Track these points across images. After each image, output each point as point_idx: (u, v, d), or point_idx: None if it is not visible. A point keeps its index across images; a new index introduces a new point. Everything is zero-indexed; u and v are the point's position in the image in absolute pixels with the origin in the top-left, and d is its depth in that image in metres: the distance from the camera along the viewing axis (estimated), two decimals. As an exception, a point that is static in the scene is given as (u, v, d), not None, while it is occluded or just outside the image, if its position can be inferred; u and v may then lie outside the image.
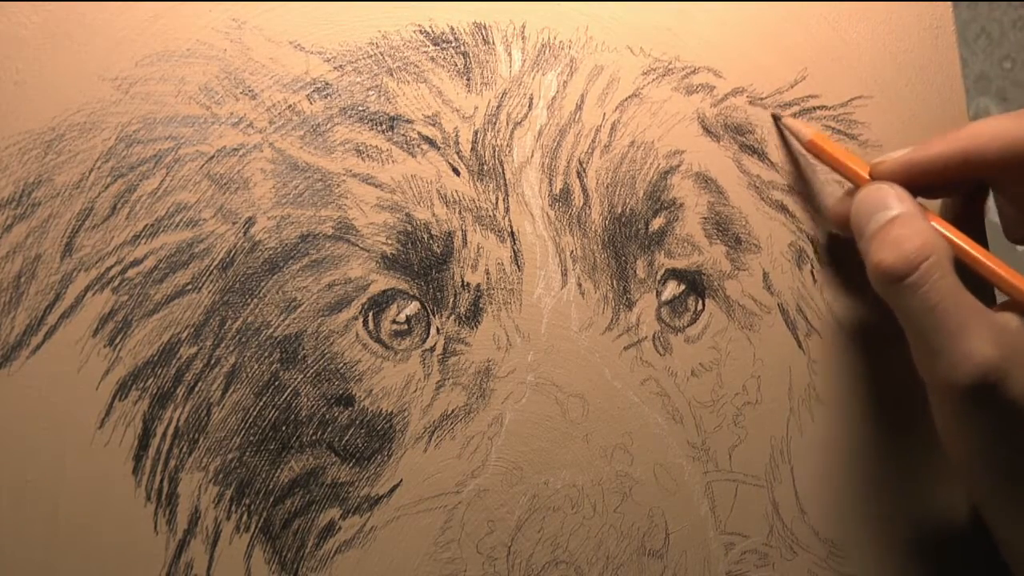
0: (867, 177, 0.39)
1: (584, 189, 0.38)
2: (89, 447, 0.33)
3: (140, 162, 0.34)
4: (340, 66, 0.36)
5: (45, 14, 0.34)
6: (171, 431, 0.33)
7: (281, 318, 0.35)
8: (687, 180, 0.40)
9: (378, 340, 0.35)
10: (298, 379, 0.35)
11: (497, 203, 0.37)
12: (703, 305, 0.40)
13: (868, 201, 0.37)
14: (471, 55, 0.38)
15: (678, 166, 0.40)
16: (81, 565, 0.32)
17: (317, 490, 0.35)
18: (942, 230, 0.37)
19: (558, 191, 0.38)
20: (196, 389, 0.34)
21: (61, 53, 0.34)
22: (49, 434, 0.32)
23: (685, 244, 0.39)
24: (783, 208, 0.42)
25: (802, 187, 0.42)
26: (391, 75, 0.37)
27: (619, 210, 0.38)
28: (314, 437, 0.35)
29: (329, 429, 0.35)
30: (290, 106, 0.35)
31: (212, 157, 0.34)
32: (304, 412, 0.35)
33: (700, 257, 0.40)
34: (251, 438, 0.34)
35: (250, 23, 0.35)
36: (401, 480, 0.35)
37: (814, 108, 0.43)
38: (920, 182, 0.38)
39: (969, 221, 0.41)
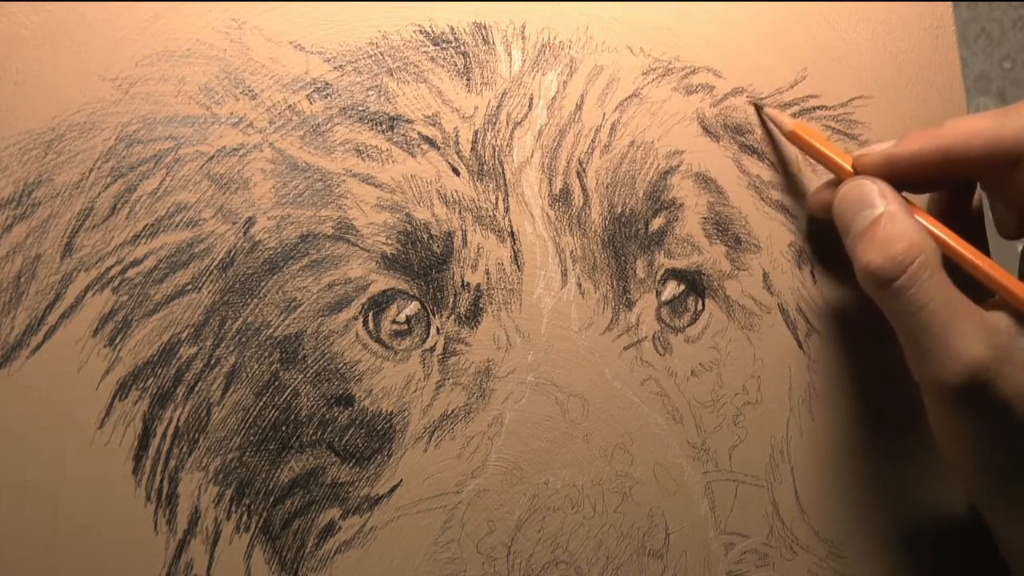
0: (850, 170, 0.38)
1: (584, 189, 0.38)
2: (89, 447, 0.33)
3: (140, 162, 0.34)
4: (340, 66, 0.36)
5: (45, 14, 0.34)
6: (171, 431, 0.33)
7: (281, 318, 0.35)
8: (687, 180, 0.40)
9: (378, 340, 0.35)
10: (298, 379, 0.35)
11: (497, 203, 0.37)
12: (703, 305, 0.40)
13: (852, 197, 0.37)
14: (471, 55, 0.38)
15: (678, 166, 0.40)
16: (81, 565, 0.32)
17: (317, 490, 0.35)
18: (929, 227, 0.36)
19: (558, 191, 0.38)
20: (196, 389, 0.34)
21: (61, 53, 0.34)
22: (49, 434, 0.32)
23: (685, 244, 0.39)
24: (783, 208, 0.42)
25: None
26: (391, 75, 0.37)
27: (619, 210, 0.38)
28: (314, 437, 0.35)
29: (329, 429, 0.35)
30: (290, 106, 0.35)
31: (212, 157, 0.34)
32: (304, 412, 0.35)
33: (700, 257, 0.40)
34: (251, 438, 0.34)
35: (250, 23, 0.35)
36: (401, 480, 0.35)
37: (814, 108, 0.43)
38: (903, 177, 0.37)
39: (958, 216, 0.41)
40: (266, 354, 0.34)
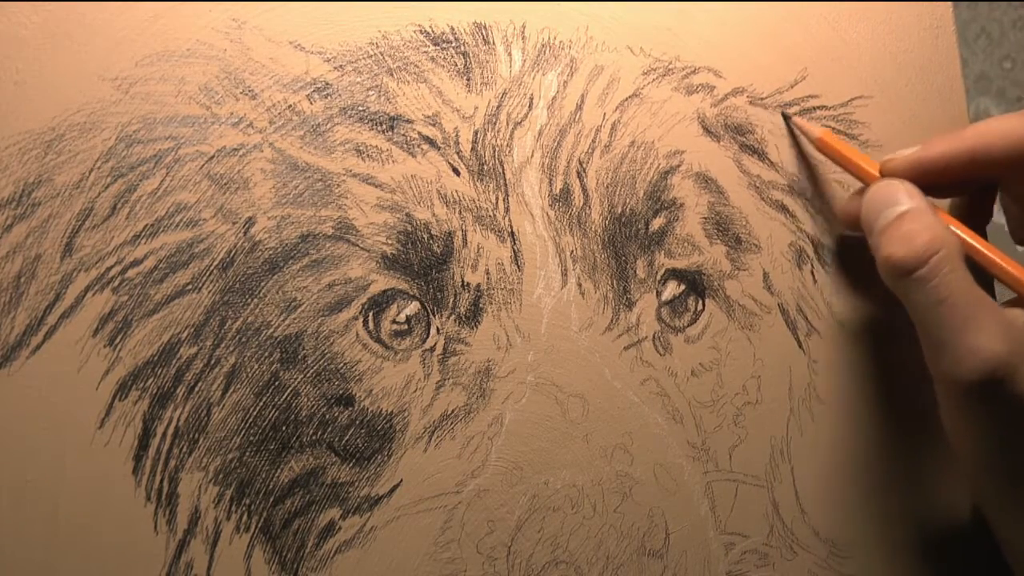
0: (877, 175, 0.39)
1: (584, 189, 0.38)
2: (89, 447, 0.33)
3: (140, 162, 0.34)
4: (340, 66, 0.36)
5: (45, 14, 0.34)
6: (171, 431, 0.33)
7: (281, 318, 0.35)
8: (687, 180, 0.40)
9: (378, 340, 0.35)
10: (298, 379, 0.35)
11: (497, 203, 0.37)
12: (703, 305, 0.40)
13: (878, 197, 0.37)
14: (471, 55, 0.38)
15: (678, 166, 0.40)
16: (81, 565, 0.32)
17: (317, 490, 0.35)
18: (952, 227, 0.37)
19: (558, 191, 0.38)
20: (196, 389, 0.34)
21: (61, 53, 0.34)
22: (49, 434, 0.32)
23: (685, 244, 0.39)
24: (783, 208, 0.42)
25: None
26: (391, 75, 0.37)
27: (619, 210, 0.38)
28: (314, 437, 0.35)
29: (329, 429, 0.35)
30: (290, 106, 0.35)
31: (212, 157, 0.34)
32: (304, 412, 0.35)
33: (700, 257, 0.40)
34: (251, 438, 0.34)
35: (250, 23, 0.35)
36: (401, 480, 0.35)
37: (814, 108, 0.43)
38: (928, 180, 0.38)
39: (976, 221, 0.41)
40: (266, 354, 0.34)
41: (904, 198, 0.36)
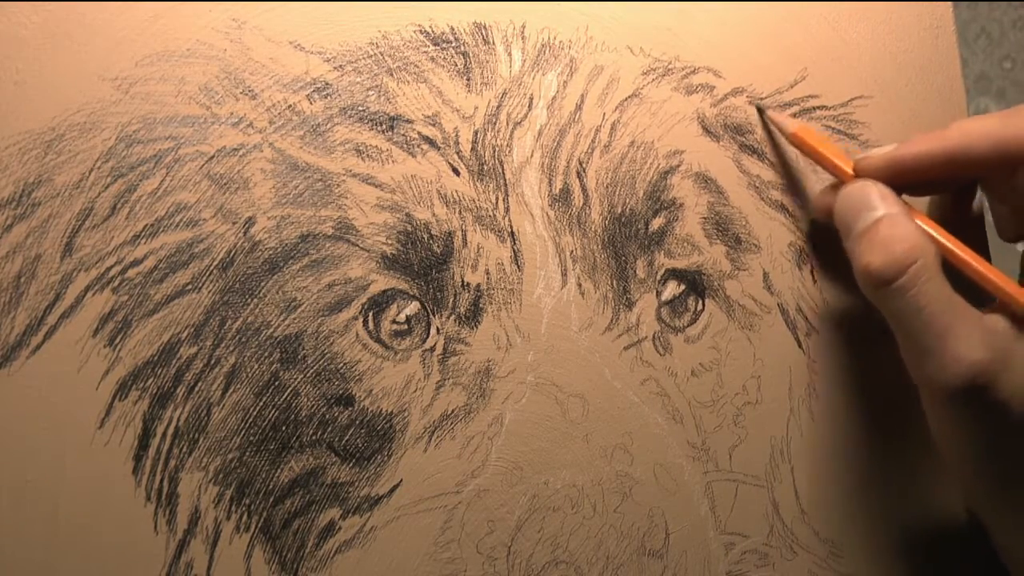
0: (851, 173, 0.38)
1: (584, 189, 0.38)
2: (89, 447, 0.33)
3: (140, 162, 0.34)
4: (340, 66, 0.36)
5: (45, 14, 0.34)
6: (171, 431, 0.33)
7: (281, 318, 0.35)
8: (687, 180, 0.40)
9: (378, 340, 0.35)
10: (298, 379, 0.35)
11: (497, 203, 0.37)
12: (703, 305, 0.40)
13: (852, 200, 0.37)
14: (471, 55, 0.38)
15: (678, 166, 0.40)
16: (81, 565, 0.32)
17: (317, 490, 0.35)
18: (929, 231, 0.36)
19: (558, 191, 0.38)
20: (196, 389, 0.34)
21: (61, 53, 0.34)
22: (49, 434, 0.32)
23: (685, 244, 0.39)
24: (783, 208, 0.42)
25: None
26: (391, 75, 0.37)
27: (619, 210, 0.38)
28: (314, 437, 0.35)
29: (329, 429, 0.35)
30: (290, 106, 0.35)
31: (212, 157, 0.34)
32: (304, 412, 0.35)
33: (700, 257, 0.40)
34: (251, 438, 0.34)
35: (250, 23, 0.35)
36: (401, 480, 0.35)
37: (814, 108, 0.43)
38: (905, 180, 0.37)
39: (957, 219, 0.41)
40: (266, 354, 0.34)
41: (878, 202, 0.36)
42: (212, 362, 0.34)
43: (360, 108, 0.36)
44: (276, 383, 0.34)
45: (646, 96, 0.40)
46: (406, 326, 0.36)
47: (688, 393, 0.39)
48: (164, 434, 0.33)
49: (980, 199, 0.42)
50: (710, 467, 0.39)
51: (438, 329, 0.36)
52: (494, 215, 0.37)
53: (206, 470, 0.34)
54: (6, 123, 0.33)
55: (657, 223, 0.39)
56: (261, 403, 0.34)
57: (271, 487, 0.34)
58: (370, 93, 0.36)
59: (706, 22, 0.41)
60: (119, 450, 0.33)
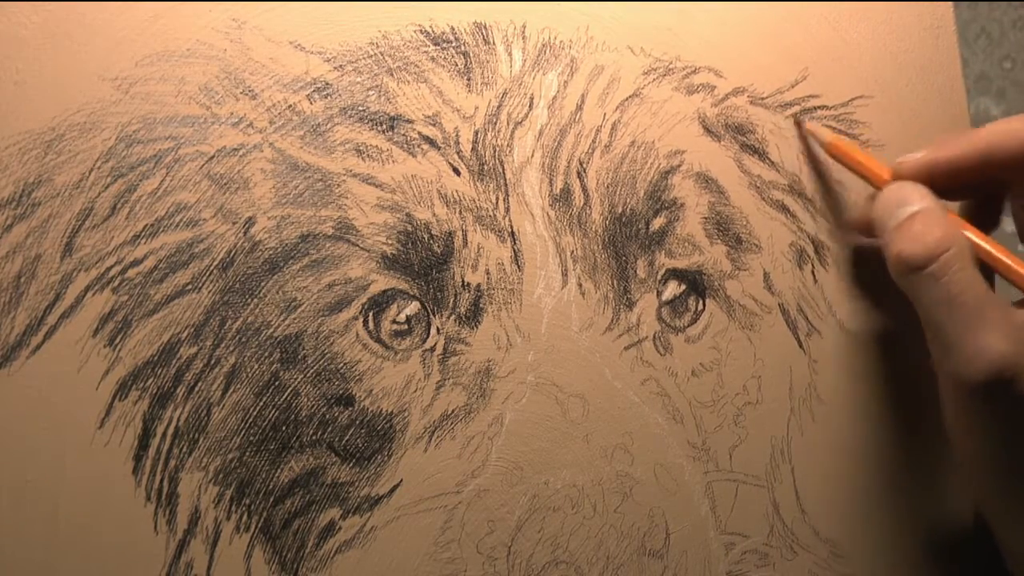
0: (888, 178, 0.39)
1: (584, 189, 0.38)
2: (89, 447, 0.33)
3: (140, 162, 0.34)
4: (340, 66, 0.36)
5: (45, 14, 0.34)
6: (171, 431, 0.33)
7: (281, 318, 0.35)
8: (688, 180, 0.40)
9: (378, 340, 0.35)
10: (298, 379, 0.35)
11: (497, 203, 0.37)
12: (704, 305, 0.40)
13: (891, 198, 0.37)
14: (471, 55, 0.38)
15: (679, 166, 0.40)
16: (81, 565, 0.32)
17: (317, 490, 0.35)
18: (963, 230, 0.37)
19: (558, 191, 0.38)
20: (196, 389, 0.34)
21: (61, 53, 0.34)
22: (49, 434, 0.32)
23: (686, 244, 0.39)
24: (784, 208, 0.42)
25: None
26: (391, 75, 0.37)
27: (620, 210, 0.38)
28: (314, 437, 0.35)
29: (329, 429, 0.35)
30: (290, 106, 0.35)
31: (212, 157, 0.34)
32: (304, 412, 0.35)
33: (701, 257, 0.40)
34: (251, 438, 0.34)
35: (250, 23, 0.35)
36: (401, 480, 0.35)
37: (815, 108, 0.43)
38: (939, 182, 0.38)
39: (983, 225, 0.41)
40: (266, 354, 0.34)
41: (916, 199, 0.36)
42: (212, 362, 0.34)
43: (360, 108, 0.36)
44: (276, 383, 0.34)
45: (647, 96, 0.40)
46: (406, 326, 0.36)
47: (688, 393, 0.39)
48: (164, 434, 0.33)
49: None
50: (710, 467, 0.39)
51: (438, 329, 0.36)
52: (494, 215, 0.37)
53: (206, 470, 0.34)
54: (6, 123, 0.33)
55: (658, 223, 0.39)
56: (261, 403, 0.34)
57: (271, 487, 0.34)
58: (370, 93, 0.36)
59: (707, 22, 0.41)
60: (119, 450, 0.33)
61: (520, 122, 0.38)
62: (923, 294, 0.35)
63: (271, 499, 0.34)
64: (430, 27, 0.37)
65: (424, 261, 0.36)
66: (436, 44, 0.37)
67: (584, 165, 0.38)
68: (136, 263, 0.33)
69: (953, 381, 0.35)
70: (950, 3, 0.46)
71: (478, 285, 0.36)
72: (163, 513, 0.33)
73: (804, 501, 0.40)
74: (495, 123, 0.37)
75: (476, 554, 0.35)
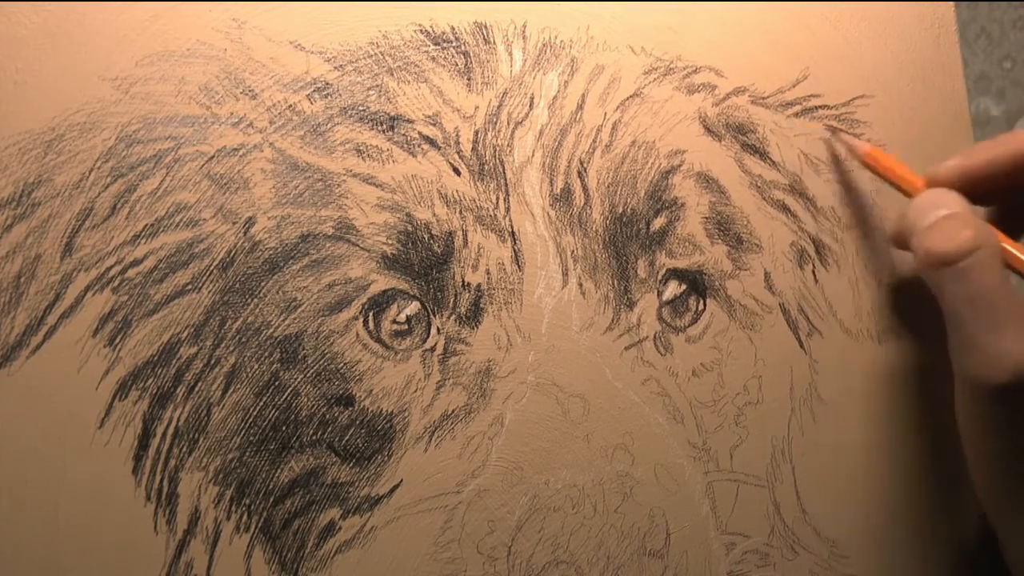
0: (922, 187, 0.39)
1: (585, 189, 0.38)
2: (89, 447, 0.33)
3: (140, 162, 0.34)
4: (340, 66, 0.36)
5: (45, 14, 0.34)
6: (171, 431, 0.33)
7: (281, 318, 0.35)
8: (688, 180, 0.40)
9: (378, 340, 0.35)
10: (298, 379, 0.35)
11: (498, 203, 0.37)
12: (704, 305, 0.40)
13: (924, 203, 0.37)
14: (472, 55, 0.38)
15: (679, 166, 0.40)
16: (81, 565, 0.32)
17: (317, 490, 0.35)
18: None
19: (559, 191, 0.38)
20: (196, 389, 0.34)
21: (61, 53, 0.34)
22: (49, 434, 0.32)
23: (686, 244, 0.39)
24: (785, 208, 0.41)
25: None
26: (391, 75, 0.37)
27: (620, 210, 0.38)
28: (314, 437, 0.35)
29: (329, 429, 0.35)
30: (290, 106, 0.35)
31: (212, 157, 0.34)
32: (304, 412, 0.35)
33: (701, 257, 0.40)
34: (251, 438, 0.34)
35: (250, 23, 0.35)
36: (401, 480, 0.35)
37: (816, 107, 0.43)
38: (972, 189, 0.38)
39: (1015, 233, 0.41)
40: (266, 354, 0.34)
41: (949, 203, 0.37)
42: (212, 362, 0.34)
43: (360, 108, 0.36)
44: (276, 383, 0.34)
45: (647, 96, 0.40)
46: (406, 326, 0.36)
47: (689, 393, 0.39)
48: (164, 434, 0.33)
49: None
50: (711, 467, 0.39)
51: (438, 329, 0.36)
52: (495, 215, 0.37)
53: (206, 470, 0.34)
54: (6, 123, 0.33)
55: (658, 223, 0.39)
56: (261, 403, 0.34)
57: (271, 487, 0.34)
58: (371, 93, 0.36)
59: (708, 21, 0.41)
60: (119, 450, 0.33)
61: (520, 122, 0.38)
62: (949, 290, 0.35)
63: (271, 499, 0.34)
64: (430, 27, 0.37)
65: (424, 261, 0.36)
66: (436, 44, 0.37)
67: (585, 165, 0.38)
68: (136, 263, 0.33)
69: (971, 381, 0.35)
70: (951, 3, 0.46)
71: (478, 285, 0.36)
72: (163, 513, 0.33)
73: (805, 501, 0.40)
74: (495, 123, 0.37)
75: (476, 554, 0.35)
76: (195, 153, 0.34)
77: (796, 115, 0.42)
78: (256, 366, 0.34)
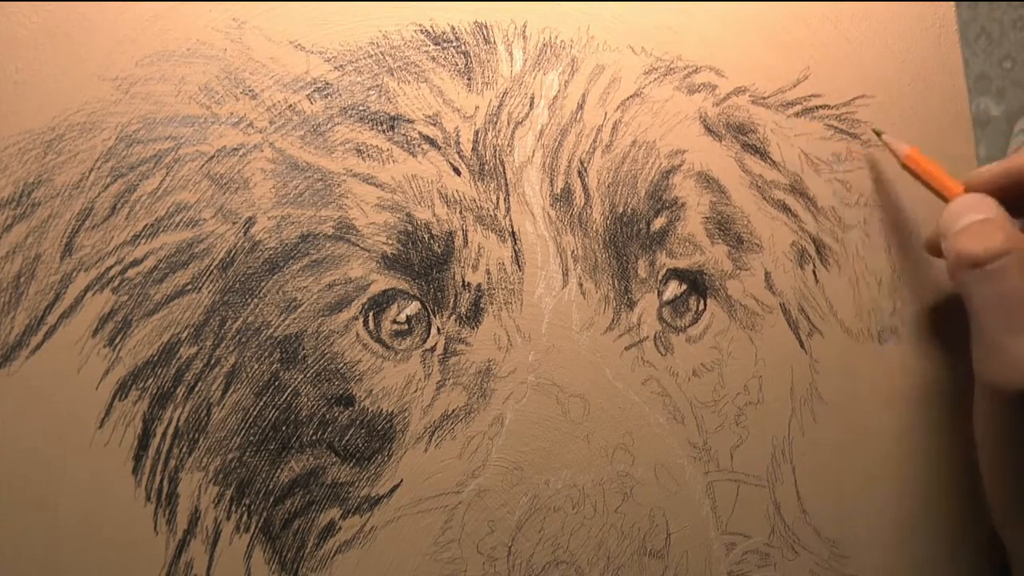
0: (961, 191, 0.39)
1: (585, 189, 0.38)
2: (89, 447, 0.33)
3: (140, 162, 0.34)
4: (341, 66, 0.36)
5: (45, 14, 0.34)
6: (171, 431, 0.33)
7: (281, 318, 0.35)
8: (689, 180, 0.40)
9: (378, 340, 0.35)
10: (298, 379, 0.35)
11: (498, 203, 0.37)
12: (704, 305, 0.40)
13: (958, 208, 0.37)
14: (472, 54, 0.38)
15: (680, 165, 0.40)
16: (81, 565, 0.32)
17: (317, 490, 0.35)
18: None
19: (559, 191, 0.38)
20: (196, 389, 0.34)
21: (61, 53, 0.34)
22: (49, 434, 0.32)
23: (687, 244, 0.39)
24: (785, 208, 0.41)
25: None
26: (392, 75, 0.37)
27: (620, 210, 0.38)
28: (314, 437, 0.35)
29: (329, 429, 0.35)
30: (290, 106, 0.35)
31: (212, 157, 0.34)
32: (304, 412, 0.34)
33: (702, 257, 0.40)
34: (251, 438, 0.34)
35: (250, 23, 0.35)
36: (401, 480, 0.35)
37: (816, 107, 0.43)
38: (1009, 196, 0.38)
39: None
40: (266, 354, 0.34)
41: (984, 208, 0.37)
42: (212, 362, 0.34)
43: (361, 108, 0.36)
44: (276, 383, 0.34)
45: (648, 95, 0.40)
46: (406, 326, 0.36)
47: (689, 393, 0.39)
48: (164, 434, 0.33)
49: None
50: (711, 467, 0.39)
51: (439, 329, 0.36)
52: (495, 215, 0.37)
53: (206, 470, 0.34)
54: (6, 123, 0.33)
55: (659, 223, 0.39)
56: (261, 403, 0.34)
57: (271, 487, 0.34)
58: (371, 93, 0.36)
59: (708, 21, 0.41)
60: (119, 450, 0.33)
61: (521, 122, 0.37)
62: (976, 292, 0.35)
63: (271, 499, 0.34)
64: (430, 27, 0.37)
65: (424, 261, 0.36)
66: (436, 44, 0.37)
67: (585, 165, 0.38)
68: (136, 263, 0.33)
69: (992, 386, 0.35)
70: (951, 3, 0.46)
71: (478, 285, 0.36)
72: (163, 513, 0.33)
73: (805, 501, 0.40)
74: (496, 123, 0.37)
75: (476, 554, 0.35)
76: (195, 153, 0.34)
77: (796, 115, 0.42)
78: (256, 366, 0.34)
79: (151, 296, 0.34)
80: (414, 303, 0.36)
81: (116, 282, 0.33)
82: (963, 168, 0.43)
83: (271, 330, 0.34)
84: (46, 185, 0.33)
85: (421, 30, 0.37)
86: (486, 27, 0.38)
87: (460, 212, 0.36)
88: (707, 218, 0.40)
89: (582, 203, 0.38)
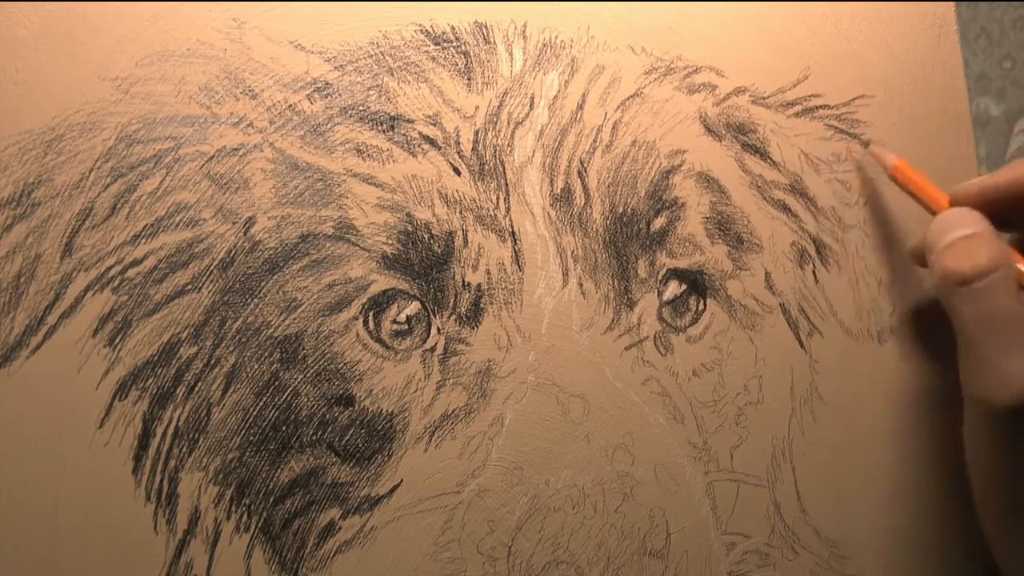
0: (947, 205, 0.39)
1: (585, 189, 0.38)
2: (89, 447, 0.33)
3: (140, 162, 0.34)
4: (341, 66, 0.36)
5: (45, 14, 0.34)
6: (171, 431, 0.33)
7: (281, 318, 0.35)
8: (689, 180, 0.40)
9: (378, 340, 0.35)
10: (298, 379, 0.35)
11: (498, 203, 0.37)
12: (704, 305, 0.40)
13: (945, 222, 0.37)
14: (472, 54, 0.38)
15: (680, 165, 0.40)
16: (81, 565, 0.32)
17: (317, 490, 0.35)
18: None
19: (559, 191, 0.38)
20: (196, 389, 0.34)
21: (61, 53, 0.34)
22: (49, 434, 0.32)
23: (687, 244, 0.39)
24: (785, 208, 0.41)
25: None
26: (392, 75, 0.37)
27: (620, 210, 0.38)
28: (314, 437, 0.35)
29: (329, 429, 0.35)
30: (290, 106, 0.35)
31: (212, 157, 0.34)
32: (304, 412, 0.34)
33: (702, 257, 0.40)
34: (251, 438, 0.34)
35: (250, 23, 0.35)
36: (401, 480, 0.35)
37: (816, 107, 0.43)
38: (995, 210, 0.38)
39: None
40: (266, 354, 0.34)
41: (970, 223, 0.36)
42: (212, 362, 0.34)
43: (361, 108, 0.36)
44: (276, 383, 0.34)
45: (648, 95, 0.40)
46: (406, 326, 0.36)
47: (689, 393, 0.39)
48: (164, 434, 0.33)
49: None
50: (711, 467, 0.39)
51: (439, 329, 0.36)
52: (495, 215, 0.37)
53: (206, 470, 0.34)
54: (6, 123, 0.33)
55: (659, 223, 0.39)
56: (261, 403, 0.34)
57: (271, 487, 0.34)
58: (371, 93, 0.36)
59: (708, 21, 0.41)
60: (119, 450, 0.33)
61: (521, 122, 0.37)
62: (963, 310, 0.35)
63: (271, 499, 0.34)
64: (431, 27, 0.37)
65: (424, 261, 0.36)
66: (436, 44, 0.37)
67: (585, 165, 0.38)
68: (136, 263, 0.33)
69: (981, 402, 0.35)
70: (951, 3, 0.46)
71: (478, 285, 0.36)
72: (163, 513, 0.33)
73: (805, 501, 0.40)
74: (496, 123, 0.37)
75: (476, 554, 0.35)
76: (195, 153, 0.34)
77: (796, 115, 0.42)
78: (256, 366, 0.34)
79: (151, 296, 0.34)
80: (414, 303, 0.36)
81: (116, 282, 0.33)
82: (963, 168, 0.43)
83: (271, 330, 0.34)
84: (46, 185, 0.33)
85: (421, 30, 0.37)
86: (486, 27, 0.38)
87: (460, 212, 0.36)
88: (707, 218, 0.40)
89: (582, 203, 0.38)
